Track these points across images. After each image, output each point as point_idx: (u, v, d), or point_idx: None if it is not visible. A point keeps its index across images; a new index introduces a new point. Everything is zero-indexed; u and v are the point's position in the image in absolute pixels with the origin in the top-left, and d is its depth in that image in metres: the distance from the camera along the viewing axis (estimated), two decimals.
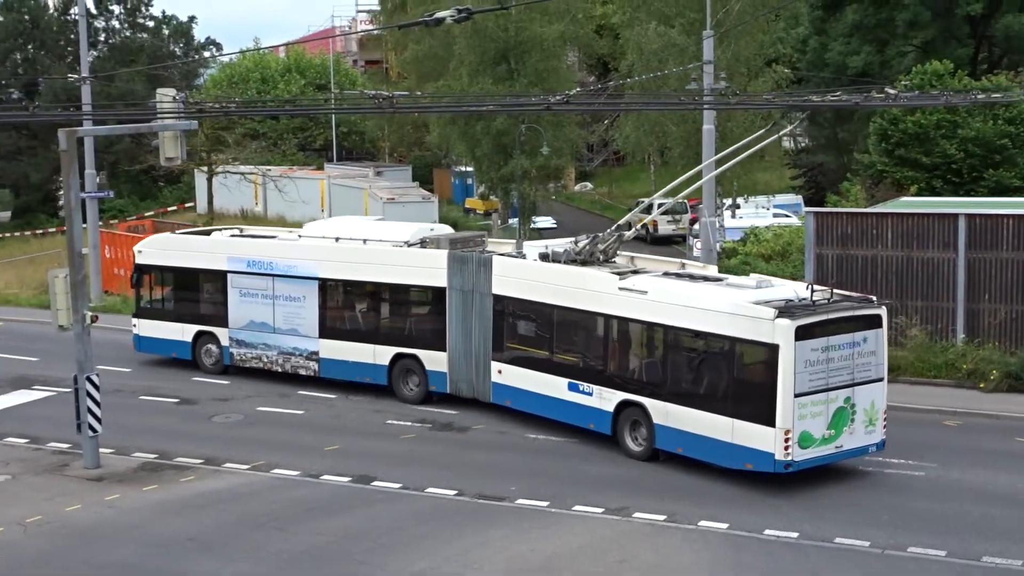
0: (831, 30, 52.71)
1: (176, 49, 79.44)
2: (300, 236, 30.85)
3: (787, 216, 49.79)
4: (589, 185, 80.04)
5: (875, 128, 40.12)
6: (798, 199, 55.82)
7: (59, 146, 23.38)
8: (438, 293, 27.59)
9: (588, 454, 24.02)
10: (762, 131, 27.55)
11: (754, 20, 44.34)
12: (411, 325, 28.55)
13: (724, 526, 19.84)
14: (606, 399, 24.26)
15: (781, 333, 21.12)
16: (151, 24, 79.91)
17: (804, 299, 22.15)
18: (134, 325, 32.87)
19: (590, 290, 24.60)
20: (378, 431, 26.04)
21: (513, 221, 55.75)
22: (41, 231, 69.85)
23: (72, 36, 75.46)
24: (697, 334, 22.55)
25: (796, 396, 21.13)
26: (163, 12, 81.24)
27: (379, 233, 29.53)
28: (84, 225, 42.27)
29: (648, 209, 27.29)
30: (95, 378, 23.32)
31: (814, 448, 21.51)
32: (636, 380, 23.83)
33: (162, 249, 32.29)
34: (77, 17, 56.94)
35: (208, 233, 33.20)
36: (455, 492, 21.69)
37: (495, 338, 26.65)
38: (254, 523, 20.31)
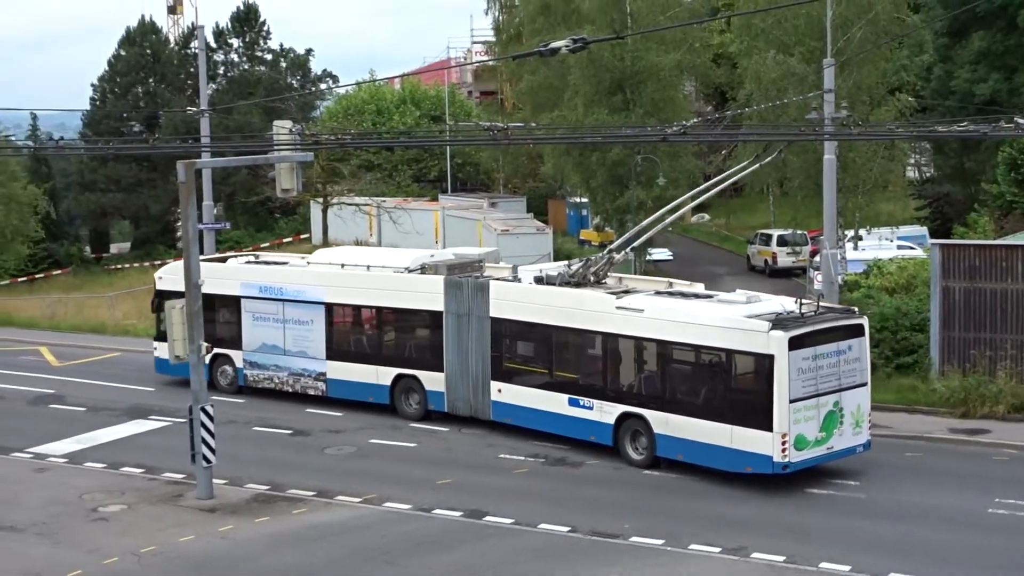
0: (957, 57, 51.68)
1: (293, 81, 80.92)
2: (308, 263, 32.87)
3: (912, 248, 48.75)
4: (706, 216, 79.42)
5: (1004, 157, 39.18)
6: (923, 230, 54.64)
7: (178, 178, 23.87)
8: (435, 317, 29.46)
9: (704, 491, 23.69)
10: (746, 162, 29.00)
11: (876, 48, 43.65)
12: (411, 347, 30.43)
13: (846, 568, 19.36)
14: (607, 412, 26.18)
15: (776, 344, 23.29)
16: (269, 57, 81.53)
17: (792, 312, 24.30)
18: (155, 348, 34.49)
19: (588, 310, 26.58)
20: (490, 465, 25.98)
21: (628, 253, 55.39)
22: (160, 262, 71.30)
23: (192, 70, 77.40)
24: (694, 348, 24.68)
25: (791, 402, 23.28)
26: (281, 45, 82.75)
27: (381, 260, 31.73)
28: (201, 256, 42.87)
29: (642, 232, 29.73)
30: (210, 409, 23.68)
31: (808, 450, 23.69)
32: (636, 393, 25.82)
33: (181, 276, 32.63)
34: (197, 51, 58.33)
35: (224, 260, 34.98)
36: (568, 528, 21.53)
37: (494, 359, 28.41)
38: (365, 557, 20.37)
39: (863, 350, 24.79)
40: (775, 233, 56.01)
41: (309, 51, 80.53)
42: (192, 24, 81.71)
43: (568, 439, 26.90)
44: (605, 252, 28.65)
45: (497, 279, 29.17)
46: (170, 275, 33.84)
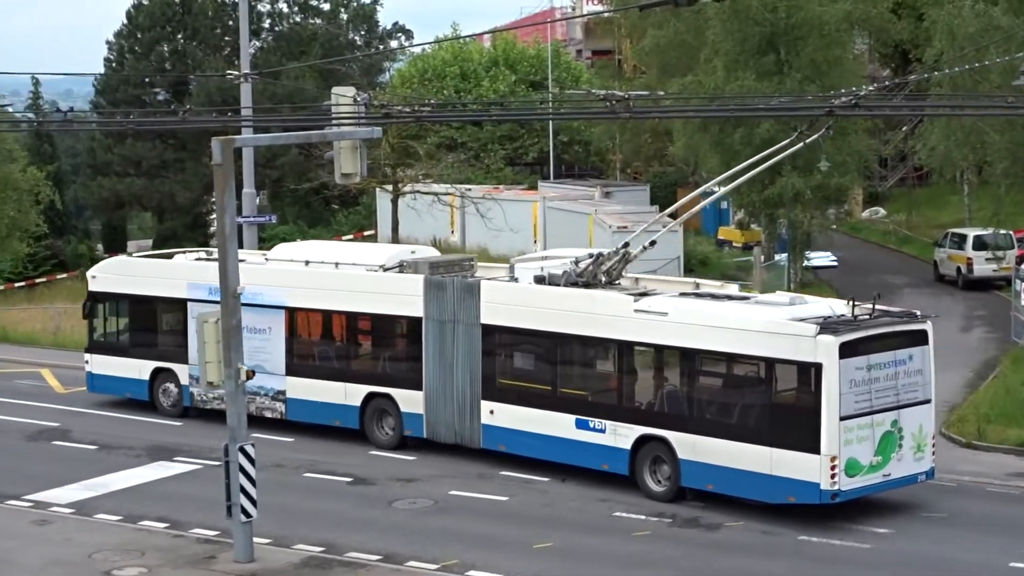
0: None
1: (356, 38, 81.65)
2: (267, 259, 34.45)
3: None
4: (881, 211, 78.62)
5: None
6: None
7: (212, 159, 24.16)
8: (414, 324, 30.70)
9: (879, 562, 23.46)
10: (787, 140, 30.35)
11: None
12: (385, 361, 31.86)
13: None
14: (622, 435, 27.25)
15: (824, 351, 24.39)
16: (326, 7, 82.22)
17: (844, 315, 25.43)
18: (86, 362, 36.50)
19: (600, 314, 27.62)
20: (602, 525, 25.97)
21: (780, 257, 55.21)
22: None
23: (230, 23, 78.47)
24: (728, 357, 25.87)
25: (842, 419, 24.37)
26: None
27: (352, 257, 32.84)
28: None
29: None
30: (250, 449, 23.93)
31: (861, 476, 24.79)
32: (657, 412, 26.90)
33: (118, 275, 35.93)
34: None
35: (171, 256, 36.79)
36: None
37: (485, 374, 29.48)
38: None
39: (926, 361, 26.01)
40: (971, 233, 55.27)
41: (376, 0, 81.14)
42: None
43: (576, 469, 28.09)
44: (620, 247, 29.50)
45: (490, 279, 30.37)
46: (106, 274, 36.13)
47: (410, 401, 30.84)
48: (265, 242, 58.53)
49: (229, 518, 23.99)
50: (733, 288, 29.02)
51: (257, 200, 45.35)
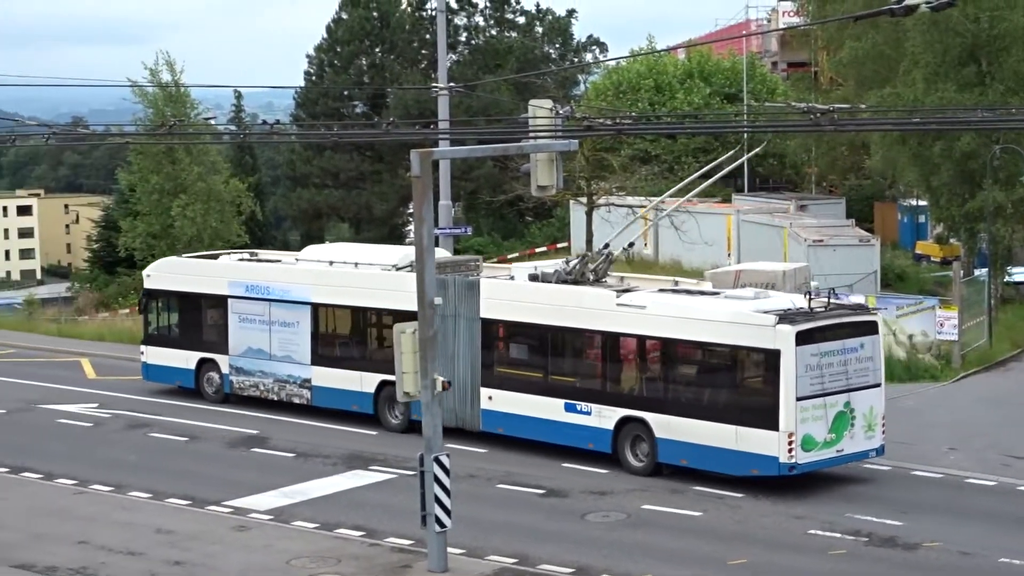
0: None
1: (551, 51, 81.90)
2: (297, 260, 38.12)
3: None
4: None
5: None
6: None
7: (410, 171, 24.34)
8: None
9: None
10: (730, 153, 36.92)
11: None
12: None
13: None
14: (606, 417, 30.81)
15: (782, 338, 27.95)
16: (522, 21, 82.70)
17: (802, 307, 28.84)
18: (142, 353, 40.14)
19: (587, 308, 31.34)
20: (795, 543, 25.63)
21: (980, 272, 53.96)
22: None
23: (427, 36, 79.34)
24: (698, 345, 29.57)
25: (798, 400, 27.90)
26: (536, 6, 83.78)
27: (369, 257, 36.37)
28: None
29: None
30: (445, 460, 24.04)
31: (816, 451, 28.35)
32: (636, 395, 30.60)
33: (170, 273, 39.72)
34: (435, 13, 59.77)
35: (216, 257, 40.55)
36: None
37: (484, 364, 32.99)
38: None
39: (876, 349, 29.63)
40: None
41: (571, 13, 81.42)
42: None
43: (565, 449, 31.46)
44: (603, 248, 33.94)
45: (489, 277, 34.13)
46: (159, 272, 39.93)
47: None
48: (461, 251, 58.98)
49: (424, 528, 24.13)
50: (707, 285, 32.10)
51: (453, 212, 45.67)
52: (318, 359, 35.98)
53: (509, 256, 68.32)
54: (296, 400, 36.52)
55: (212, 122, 68.86)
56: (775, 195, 71.75)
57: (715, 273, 33.98)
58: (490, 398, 32.93)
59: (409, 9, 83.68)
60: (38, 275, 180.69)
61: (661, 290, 31.65)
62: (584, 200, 55.05)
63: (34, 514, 28.07)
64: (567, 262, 33.26)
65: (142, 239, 62.93)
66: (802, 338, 28.10)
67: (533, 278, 33.07)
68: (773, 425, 28.01)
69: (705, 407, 29.38)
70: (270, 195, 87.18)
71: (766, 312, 28.58)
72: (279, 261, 39.01)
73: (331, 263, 36.47)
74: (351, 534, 26.62)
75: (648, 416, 30.05)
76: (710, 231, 58.53)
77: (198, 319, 38.79)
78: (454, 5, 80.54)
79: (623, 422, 30.53)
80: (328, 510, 28.25)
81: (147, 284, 39.86)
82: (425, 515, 23.92)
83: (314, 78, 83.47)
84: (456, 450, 28.03)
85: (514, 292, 32.93)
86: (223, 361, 37.89)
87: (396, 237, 78.76)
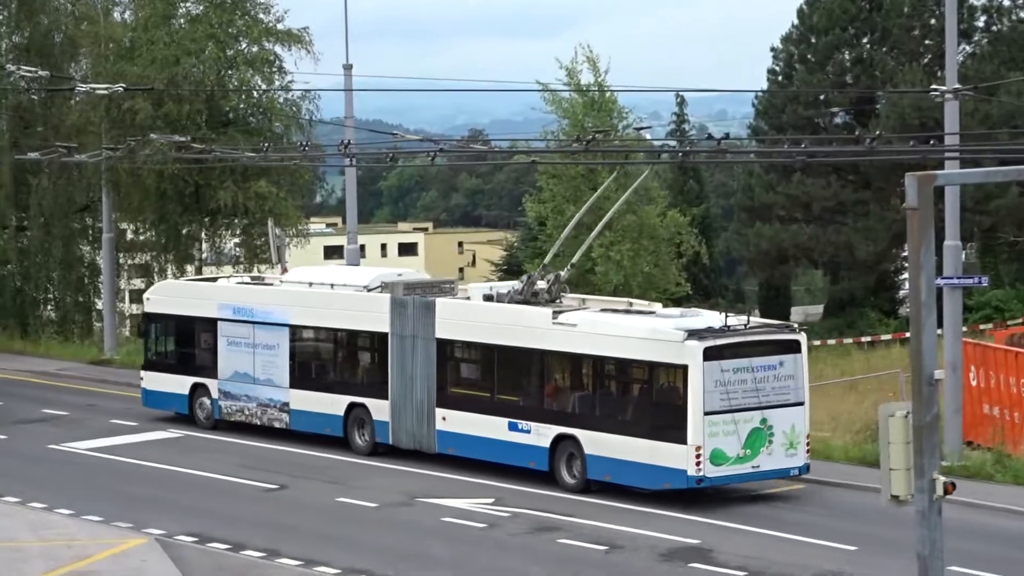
0: None
1: None
2: (281, 281, 47.61)
3: None
4: None
5: None
6: None
7: (904, 200, 23.96)
8: (382, 339, 43.16)
9: None
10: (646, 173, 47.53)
11: None
12: (362, 373, 44.83)
13: None
14: (543, 435, 39.35)
15: (690, 354, 36.20)
16: None
17: (714, 325, 36.96)
18: (142, 378, 49.46)
19: (526, 326, 40.01)
20: None
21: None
22: (869, 338, 72.03)
23: (932, 22, 78.30)
24: (620, 361, 38.25)
25: (706, 414, 36.13)
26: None
27: (345, 278, 45.92)
28: (938, 330, 44.23)
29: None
30: None
31: (728, 466, 36.65)
32: (569, 413, 39.21)
33: (167, 296, 49.30)
34: None
35: (215, 280, 50.64)
36: None
37: (439, 384, 41.66)
38: None
39: (799, 368, 37.84)
40: None
41: None
42: None
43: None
44: (541, 270, 43.08)
45: (445, 298, 42.58)
46: (157, 296, 49.61)
47: (380, 410, 43.33)
48: (971, 311, 57.71)
49: None
50: (658, 306, 41.80)
51: (963, 256, 44.83)
52: (295, 381, 44.88)
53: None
54: (276, 424, 45.50)
55: (647, 136, 69.29)
56: None
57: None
58: (444, 419, 41.66)
59: None
60: None
61: (603, 309, 40.97)
62: None
63: None
64: (523, 281, 42.40)
65: None
66: (710, 354, 36.49)
67: (488, 298, 42.26)
68: (682, 439, 36.50)
69: (626, 423, 38.19)
70: (720, 232, 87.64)
71: (679, 329, 37.01)
72: (260, 282, 49.35)
73: (310, 284, 45.91)
74: None
75: (579, 433, 38.65)
76: None
77: (191, 343, 48.24)
78: None
79: (558, 439, 39.24)
80: None
81: (146, 308, 49.83)
82: None
83: (780, 79, 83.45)
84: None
85: (466, 312, 41.95)
86: (213, 386, 47.03)
87: (885, 288, 77.93)
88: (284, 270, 50.87)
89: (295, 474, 42.77)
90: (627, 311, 40.37)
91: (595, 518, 37.42)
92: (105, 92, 45.25)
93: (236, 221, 67.69)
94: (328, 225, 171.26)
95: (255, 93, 67.45)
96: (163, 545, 34.92)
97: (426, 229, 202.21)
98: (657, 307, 41.34)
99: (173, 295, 49.54)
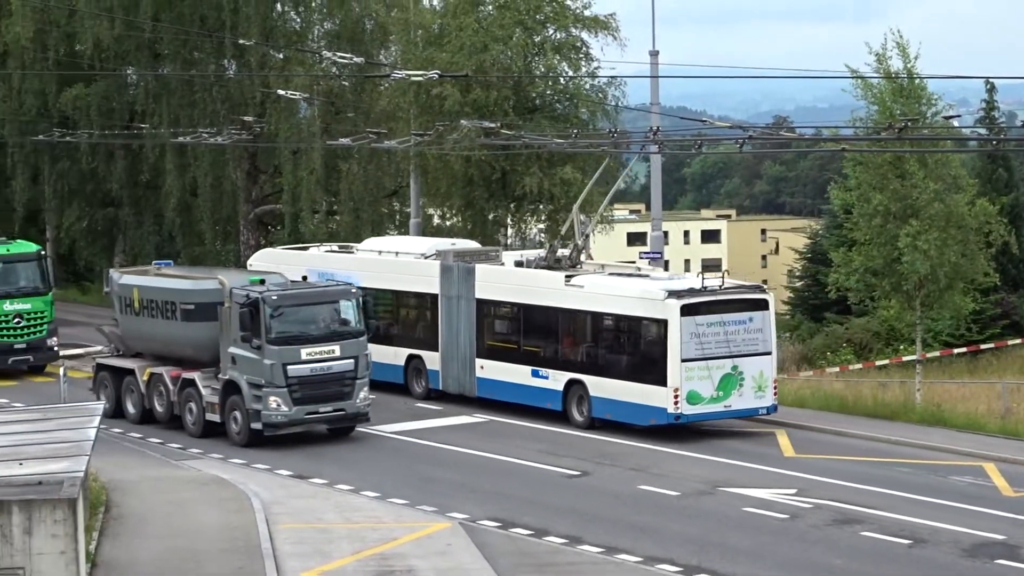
0: None
1: None
2: (356, 251, 56.37)
3: None
4: None
5: None
6: None
7: None
8: (433, 299, 51.04)
9: None
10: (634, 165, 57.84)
11: None
12: (418, 328, 52.32)
13: None
14: (557, 380, 46.93)
15: (670, 310, 43.73)
16: None
17: (694, 286, 44.61)
18: None
19: (544, 287, 47.53)
20: None
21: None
22: None
23: None
24: (615, 317, 45.78)
25: (683, 361, 43.63)
26: None
27: (408, 247, 54.59)
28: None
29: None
30: None
31: (703, 405, 44.33)
32: (578, 361, 46.61)
33: (268, 262, 55.77)
34: None
35: (307, 248, 58.84)
36: None
37: (478, 337, 49.12)
38: None
39: (767, 323, 45.45)
40: None
41: None
42: None
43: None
44: (560, 241, 51.82)
45: (484, 264, 49.89)
46: (260, 262, 56.59)
47: (432, 360, 50.99)
48: None
49: None
50: (659, 271, 50.84)
51: None
52: (368, 338, 47.24)
53: None
54: None
55: (955, 123, 67.97)
56: None
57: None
58: (482, 367, 49.32)
59: None
60: None
61: (611, 273, 49.00)
62: None
63: None
64: (549, 250, 50.53)
65: (858, 276, 63.23)
66: (687, 310, 43.94)
67: (518, 264, 49.84)
68: (663, 382, 44.12)
69: (622, 368, 45.68)
70: None
71: (662, 289, 44.75)
72: (341, 251, 57.05)
73: (379, 252, 54.38)
74: None
75: (585, 378, 46.28)
76: None
77: None
78: None
79: (569, 384, 46.86)
80: None
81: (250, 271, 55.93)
82: None
83: None
84: None
85: (499, 276, 49.26)
86: None
87: None
88: (588, 256, 52.27)
89: (597, 460, 42.90)
90: (627, 275, 48.57)
91: (897, 511, 36.92)
92: (419, 79, 46.43)
93: (541, 207, 67.80)
94: (631, 212, 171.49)
95: (562, 79, 67.42)
96: (467, 529, 35.21)
97: (729, 216, 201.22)
98: (658, 271, 50.78)
99: (272, 261, 55.76)
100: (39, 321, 57.46)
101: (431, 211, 69.89)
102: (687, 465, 42.29)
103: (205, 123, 72.58)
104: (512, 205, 68.56)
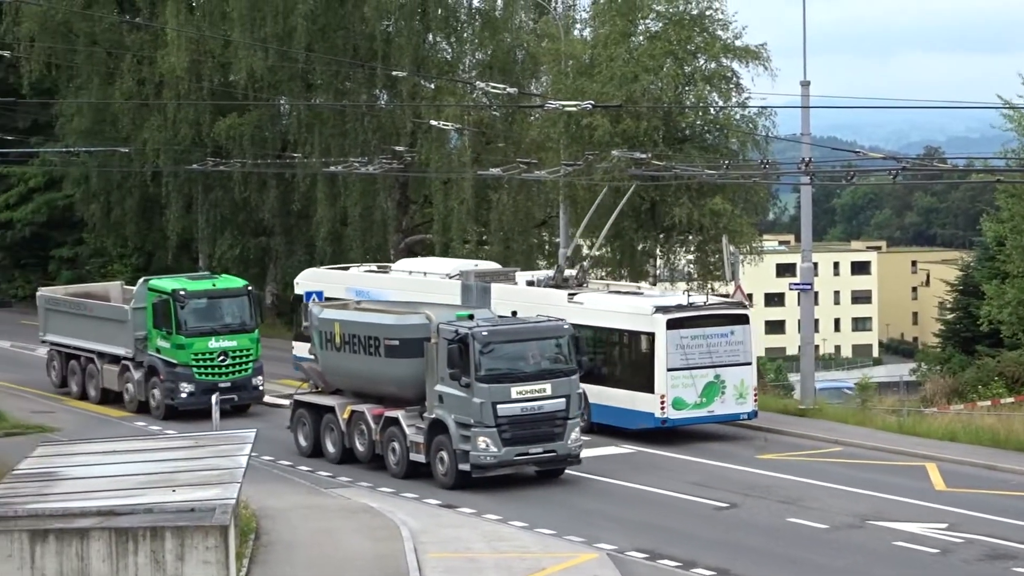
0: None
1: None
2: (391, 270, 61.94)
3: None
4: None
5: None
6: None
7: None
8: None
9: None
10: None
11: None
12: None
13: None
14: None
15: (656, 324, 48.81)
16: None
17: (681, 303, 50.13)
18: (293, 347, 61.76)
19: (551, 304, 50.93)
20: None
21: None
22: None
23: None
24: (611, 331, 50.77)
25: (669, 370, 48.64)
26: None
27: (435, 267, 59.54)
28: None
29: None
30: None
31: (687, 411, 49.17)
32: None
33: (312, 281, 61.82)
34: None
35: (347, 268, 63.69)
36: None
37: None
38: None
39: (747, 336, 50.02)
40: None
41: None
42: None
43: None
44: (564, 263, 58.21)
45: (499, 283, 54.59)
46: (304, 280, 62.39)
47: None
48: None
49: None
50: (654, 290, 56.91)
51: None
52: None
53: None
54: None
55: None
56: None
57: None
58: None
59: None
60: (874, 351, 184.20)
61: (611, 291, 53.92)
62: None
63: None
64: (556, 270, 55.94)
65: (1011, 309, 62.74)
66: (672, 324, 48.67)
67: (530, 283, 54.88)
68: (651, 389, 48.76)
69: (616, 378, 50.46)
70: None
71: (650, 305, 49.57)
72: (377, 271, 62.54)
73: (410, 272, 59.64)
74: None
75: (585, 387, 47.49)
76: None
77: None
78: None
79: None
80: None
81: (296, 290, 62.72)
82: None
83: None
84: None
85: (512, 294, 52.84)
86: None
87: None
88: (738, 288, 54.00)
89: (746, 492, 42.58)
90: (624, 293, 53.57)
91: None
92: (572, 109, 46.41)
93: (691, 238, 67.54)
94: (780, 242, 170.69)
95: (712, 110, 67.15)
96: (614, 560, 35.12)
97: (879, 248, 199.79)
98: (653, 290, 56.56)
99: (316, 280, 61.82)
100: (245, 359, 56.33)
101: (580, 241, 69.80)
102: (837, 498, 41.92)
103: (356, 153, 73.12)
104: (661, 236, 68.39)
